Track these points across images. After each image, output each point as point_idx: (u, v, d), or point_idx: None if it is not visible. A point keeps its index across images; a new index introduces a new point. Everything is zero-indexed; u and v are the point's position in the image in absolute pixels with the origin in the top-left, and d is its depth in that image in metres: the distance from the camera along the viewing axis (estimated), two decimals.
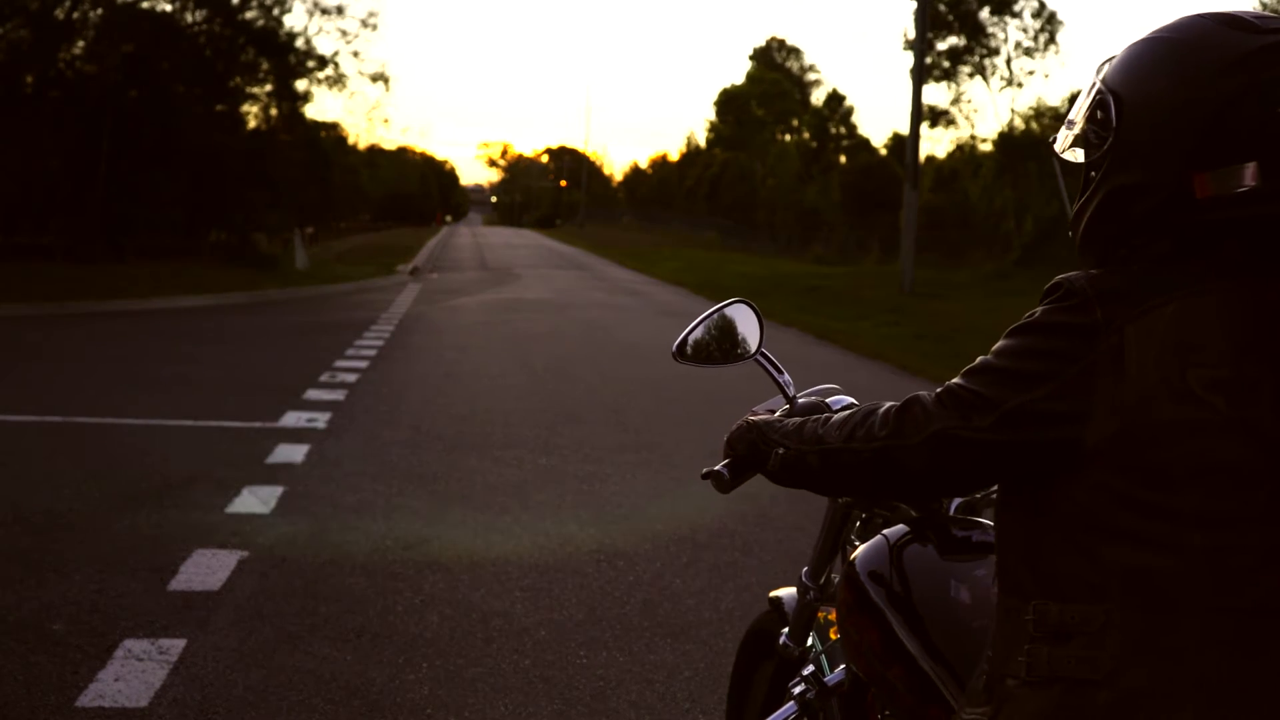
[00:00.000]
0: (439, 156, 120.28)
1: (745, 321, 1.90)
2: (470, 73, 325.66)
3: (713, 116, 68.99)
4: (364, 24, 29.55)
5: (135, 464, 6.38)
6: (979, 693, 1.41)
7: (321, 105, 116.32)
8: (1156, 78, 1.31)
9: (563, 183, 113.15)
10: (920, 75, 23.11)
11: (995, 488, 1.43)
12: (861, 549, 1.84)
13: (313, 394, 8.93)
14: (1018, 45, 33.93)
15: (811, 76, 71.52)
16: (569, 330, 15.15)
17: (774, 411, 1.75)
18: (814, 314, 17.82)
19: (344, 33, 28.44)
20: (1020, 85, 34.64)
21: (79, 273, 18.03)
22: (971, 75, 34.37)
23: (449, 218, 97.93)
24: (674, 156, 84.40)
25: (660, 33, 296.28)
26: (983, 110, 69.55)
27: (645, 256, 37.68)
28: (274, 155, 24.93)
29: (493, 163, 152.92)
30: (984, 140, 36.53)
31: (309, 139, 27.60)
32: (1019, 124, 33.06)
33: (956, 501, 1.86)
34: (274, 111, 26.13)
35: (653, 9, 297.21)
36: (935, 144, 77.69)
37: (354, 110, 55.79)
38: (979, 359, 1.34)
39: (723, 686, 3.11)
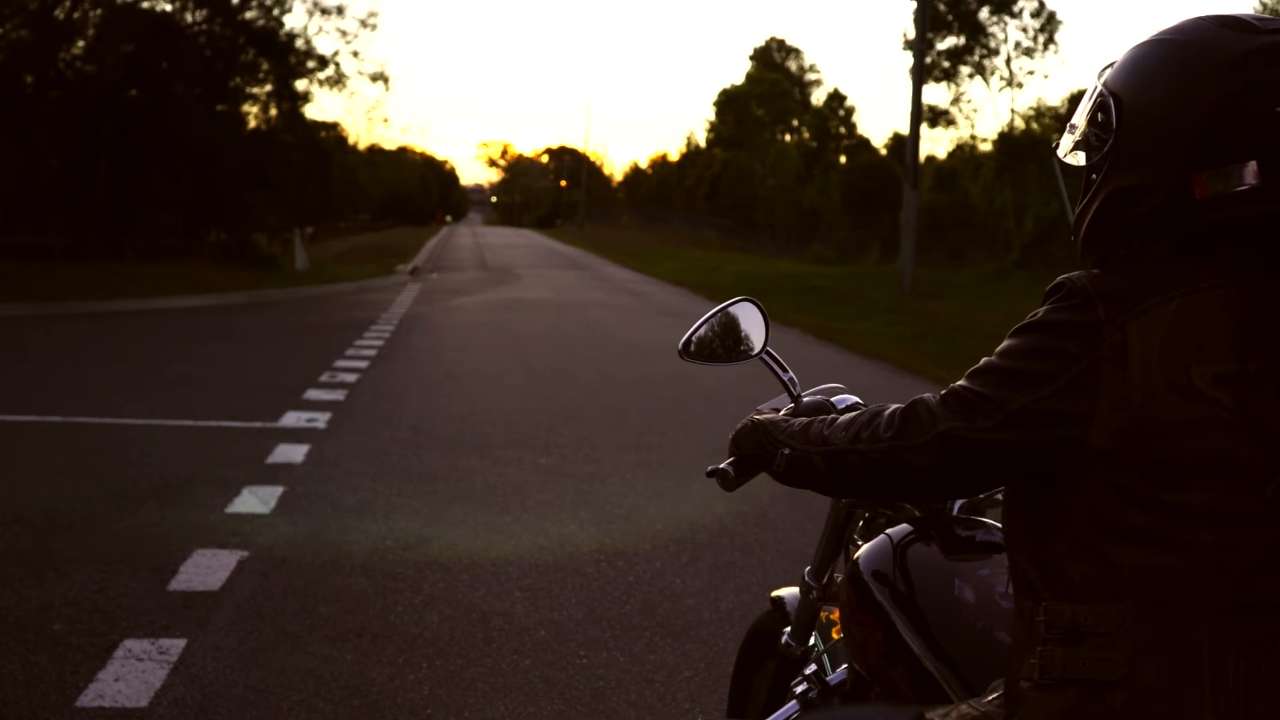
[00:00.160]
0: (439, 156, 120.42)
1: (750, 320, 1.89)
2: (470, 72, 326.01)
3: (712, 116, 68.97)
4: (364, 24, 29.54)
5: (135, 464, 6.38)
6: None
7: (321, 105, 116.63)
8: (1157, 79, 1.32)
9: (563, 183, 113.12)
10: (920, 75, 23.13)
11: (999, 488, 1.42)
12: (865, 549, 1.84)
13: (313, 394, 8.93)
14: (1017, 45, 33.93)
15: (811, 76, 71.53)
16: (569, 330, 15.14)
17: (779, 410, 1.74)
18: (814, 314, 17.83)
19: (344, 33, 28.44)
20: (1020, 85, 34.62)
21: (79, 273, 18.03)
22: (971, 75, 34.37)
23: (449, 218, 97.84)
24: (674, 156, 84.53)
25: (660, 33, 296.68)
26: (983, 110, 69.74)
27: (645, 256, 37.68)
28: (274, 155, 24.96)
29: (493, 163, 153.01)
30: (984, 140, 36.61)
31: (309, 139, 27.58)
32: (1019, 124, 33.11)
33: (959, 501, 1.86)
34: (274, 111, 26.14)
35: (653, 9, 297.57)
36: (935, 144, 77.87)
37: (354, 110, 56.16)
38: (983, 360, 1.34)
39: (723, 686, 3.11)
